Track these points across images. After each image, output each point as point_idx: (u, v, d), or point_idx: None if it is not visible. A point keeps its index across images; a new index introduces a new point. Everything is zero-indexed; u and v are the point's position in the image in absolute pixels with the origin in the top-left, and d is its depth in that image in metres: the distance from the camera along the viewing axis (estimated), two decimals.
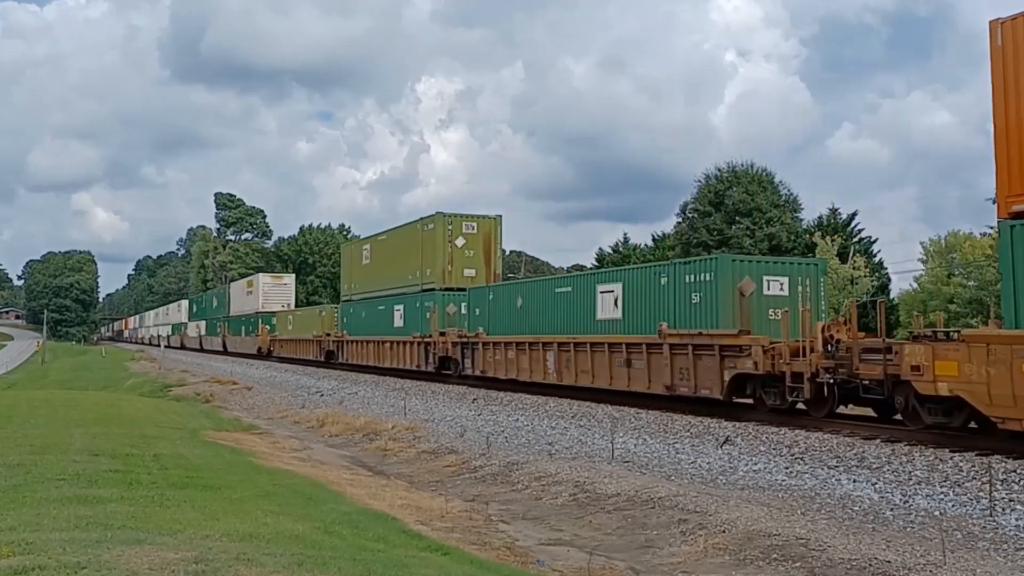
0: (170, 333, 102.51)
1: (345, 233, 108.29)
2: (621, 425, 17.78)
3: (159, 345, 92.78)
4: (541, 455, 15.97)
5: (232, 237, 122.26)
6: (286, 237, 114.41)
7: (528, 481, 13.88)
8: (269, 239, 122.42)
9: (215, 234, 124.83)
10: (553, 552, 9.75)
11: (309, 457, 16.75)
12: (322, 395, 30.91)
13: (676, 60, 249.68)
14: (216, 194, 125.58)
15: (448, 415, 22.41)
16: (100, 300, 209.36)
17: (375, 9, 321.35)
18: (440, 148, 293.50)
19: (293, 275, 76.39)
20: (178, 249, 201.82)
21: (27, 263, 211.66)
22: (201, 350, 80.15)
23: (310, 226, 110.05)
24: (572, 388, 22.75)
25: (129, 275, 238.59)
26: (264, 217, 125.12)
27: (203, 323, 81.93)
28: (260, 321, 59.68)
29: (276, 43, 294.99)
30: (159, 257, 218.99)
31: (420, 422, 21.28)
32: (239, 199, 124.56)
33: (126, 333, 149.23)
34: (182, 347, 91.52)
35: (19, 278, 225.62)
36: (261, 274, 69.57)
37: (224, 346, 70.95)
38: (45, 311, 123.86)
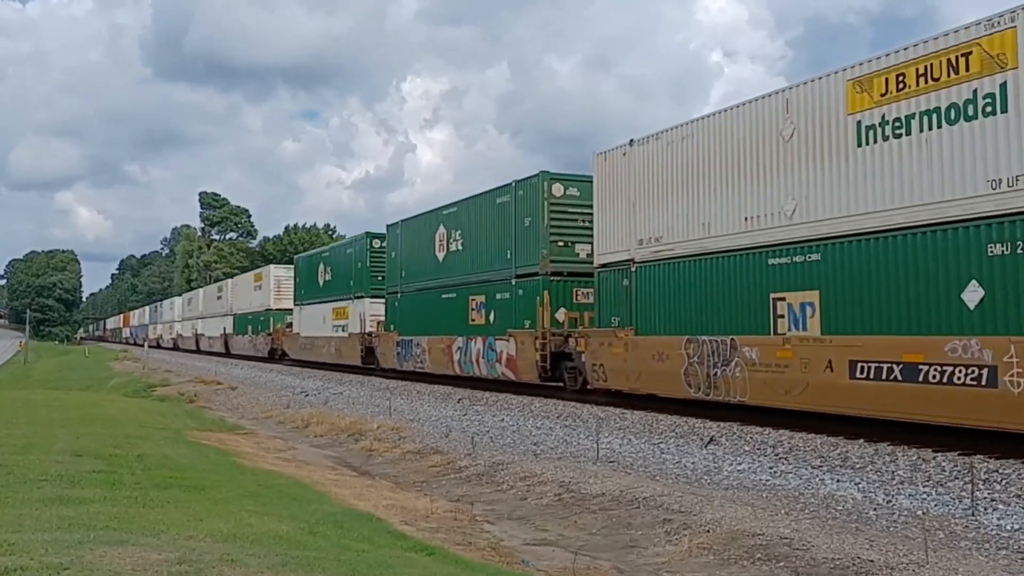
0: (231, 330, 56.77)
1: (330, 233, 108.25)
2: (606, 425, 17.81)
3: (206, 349, 63.09)
4: (526, 455, 15.97)
5: (217, 236, 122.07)
6: (271, 237, 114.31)
7: (513, 481, 13.88)
8: (254, 238, 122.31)
9: (199, 233, 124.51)
10: (538, 552, 9.76)
11: (294, 457, 16.69)
12: (307, 395, 30.80)
13: (662, 60, 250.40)
14: (200, 193, 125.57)
15: (433, 415, 22.38)
16: (84, 299, 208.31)
17: (360, 7, 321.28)
18: (426, 148, 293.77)
19: None
20: (162, 248, 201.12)
21: (9, 262, 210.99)
22: (361, 368, 35.11)
23: (295, 225, 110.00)
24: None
25: (113, 274, 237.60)
26: (249, 216, 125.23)
27: (374, 304, 34.74)
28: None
29: (260, 41, 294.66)
30: (143, 256, 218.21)
31: (405, 422, 21.24)
32: (224, 198, 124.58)
33: (126, 332, 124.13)
34: (280, 357, 46.30)
35: (1, 277, 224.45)
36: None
37: (515, 368, 23.17)
38: (28, 311, 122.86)
